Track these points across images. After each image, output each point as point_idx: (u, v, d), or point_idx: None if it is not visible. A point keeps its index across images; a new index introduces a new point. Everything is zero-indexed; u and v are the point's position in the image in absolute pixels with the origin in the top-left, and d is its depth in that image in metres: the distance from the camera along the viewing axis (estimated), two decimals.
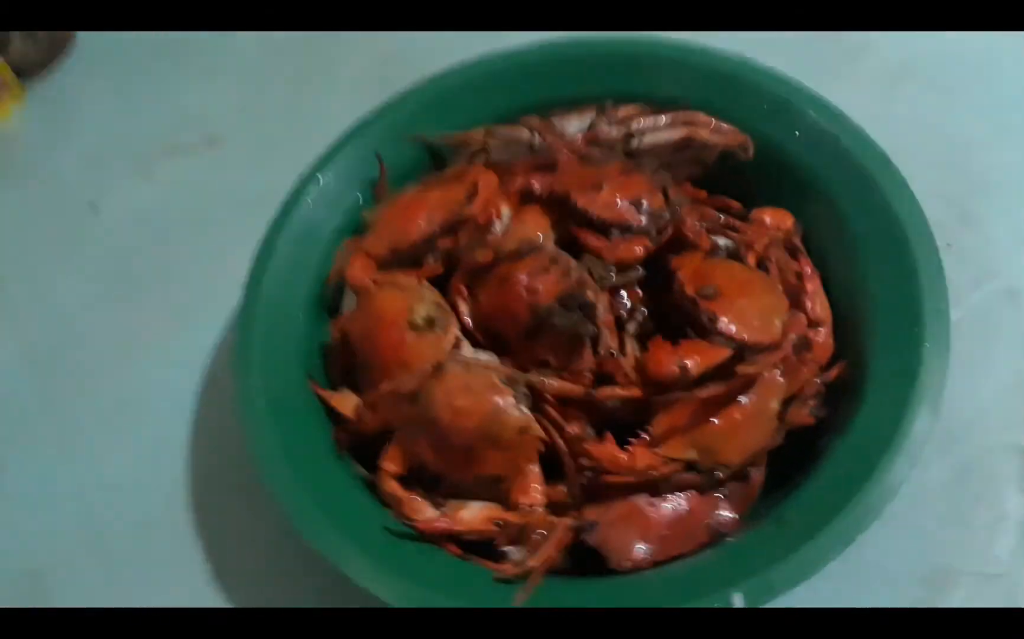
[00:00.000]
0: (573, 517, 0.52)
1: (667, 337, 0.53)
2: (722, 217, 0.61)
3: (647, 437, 0.52)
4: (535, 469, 0.52)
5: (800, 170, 0.62)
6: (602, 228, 0.56)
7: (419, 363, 0.53)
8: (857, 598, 0.53)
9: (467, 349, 0.55)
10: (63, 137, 0.84)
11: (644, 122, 0.63)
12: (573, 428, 0.52)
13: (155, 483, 0.63)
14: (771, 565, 0.47)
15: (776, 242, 0.60)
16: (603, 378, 0.53)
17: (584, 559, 0.52)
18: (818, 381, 0.55)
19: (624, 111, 0.64)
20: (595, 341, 0.53)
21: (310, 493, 0.52)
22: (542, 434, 0.52)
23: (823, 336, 0.56)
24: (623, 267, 0.55)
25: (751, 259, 0.58)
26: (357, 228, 0.63)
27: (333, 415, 0.57)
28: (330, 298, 0.62)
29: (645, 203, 0.57)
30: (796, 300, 0.57)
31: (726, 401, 0.52)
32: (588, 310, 0.53)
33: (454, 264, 0.58)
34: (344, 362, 0.59)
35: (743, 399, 0.52)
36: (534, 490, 0.52)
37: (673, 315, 0.55)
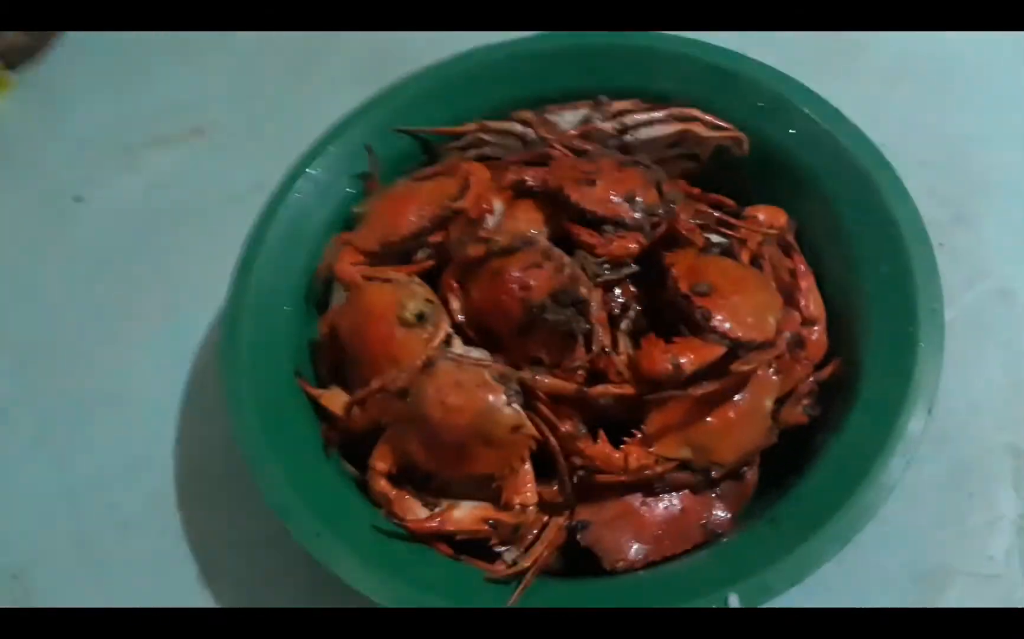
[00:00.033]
0: (566, 517, 0.52)
1: (660, 334, 0.52)
2: (716, 214, 0.60)
3: (640, 436, 0.51)
4: (527, 468, 0.52)
5: (795, 167, 0.62)
6: (596, 223, 0.56)
7: (409, 359, 0.53)
8: (851, 597, 0.53)
9: (458, 345, 0.54)
10: (49, 127, 0.83)
11: (638, 117, 0.63)
12: (566, 426, 0.52)
13: (141, 481, 0.62)
14: (767, 565, 0.47)
15: (770, 239, 0.59)
16: (596, 375, 0.53)
17: (577, 559, 0.51)
18: (812, 379, 0.54)
19: (618, 105, 0.63)
20: (588, 338, 0.53)
21: (299, 492, 0.51)
22: (534, 432, 0.51)
23: (817, 334, 0.56)
24: (616, 263, 0.55)
25: (745, 256, 0.58)
26: (347, 222, 0.62)
27: (322, 413, 0.56)
28: (319, 293, 0.61)
29: (639, 198, 0.56)
30: (790, 298, 0.56)
31: (720, 399, 0.52)
32: (581, 306, 0.52)
33: (445, 259, 0.58)
34: (333, 358, 0.58)
35: (737, 397, 0.52)
36: (526, 489, 0.51)
37: (666, 312, 0.54)
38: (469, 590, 0.49)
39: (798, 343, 0.54)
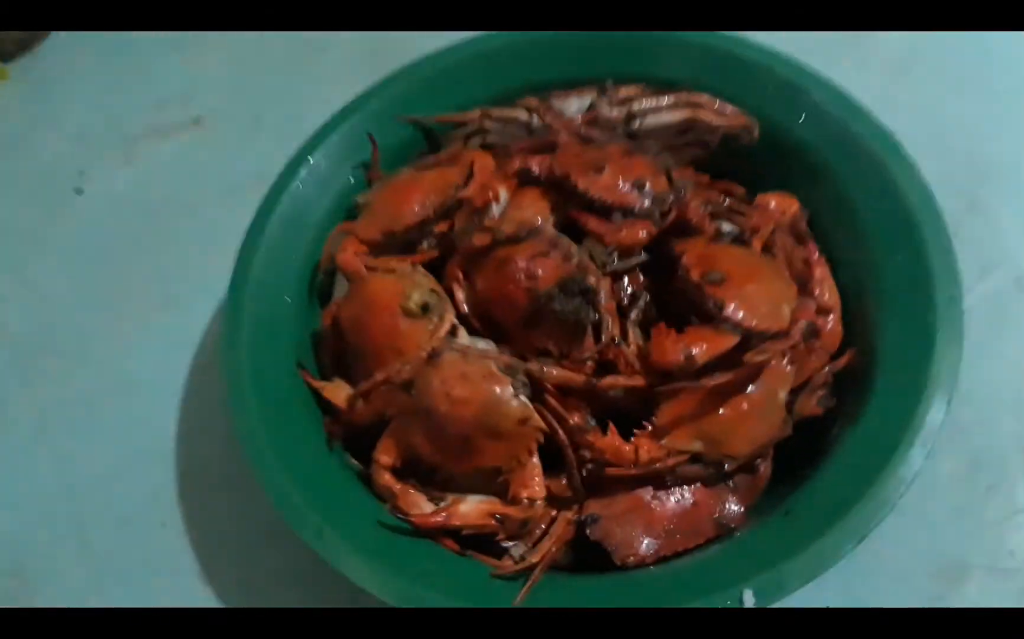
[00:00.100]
0: (575, 511, 0.51)
1: (670, 325, 0.51)
2: (726, 201, 0.59)
3: (651, 428, 0.50)
4: (535, 461, 0.51)
5: (807, 154, 0.61)
6: (603, 211, 0.54)
7: (414, 351, 0.52)
8: (867, 592, 0.52)
9: (463, 336, 0.53)
10: (46, 117, 0.82)
11: (646, 103, 0.61)
12: (574, 418, 0.51)
13: (141, 477, 0.61)
14: (782, 561, 0.46)
15: (782, 227, 0.58)
16: (605, 367, 0.52)
17: (586, 554, 0.50)
18: (827, 370, 0.54)
19: (625, 91, 0.62)
20: (597, 328, 0.52)
21: (302, 487, 0.50)
22: (542, 425, 0.50)
23: (832, 323, 0.55)
24: (625, 251, 0.54)
25: (756, 244, 0.57)
26: (349, 211, 0.61)
27: (325, 405, 0.55)
28: (321, 284, 0.60)
29: (648, 185, 0.55)
30: (804, 286, 0.55)
31: (733, 390, 0.51)
32: (590, 295, 0.51)
33: (450, 249, 0.57)
34: (336, 350, 0.57)
35: (750, 388, 0.51)
36: (534, 483, 0.50)
37: (676, 301, 0.53)
38: (476, 586, 0.48)
39: (813, 333, 0.53)
